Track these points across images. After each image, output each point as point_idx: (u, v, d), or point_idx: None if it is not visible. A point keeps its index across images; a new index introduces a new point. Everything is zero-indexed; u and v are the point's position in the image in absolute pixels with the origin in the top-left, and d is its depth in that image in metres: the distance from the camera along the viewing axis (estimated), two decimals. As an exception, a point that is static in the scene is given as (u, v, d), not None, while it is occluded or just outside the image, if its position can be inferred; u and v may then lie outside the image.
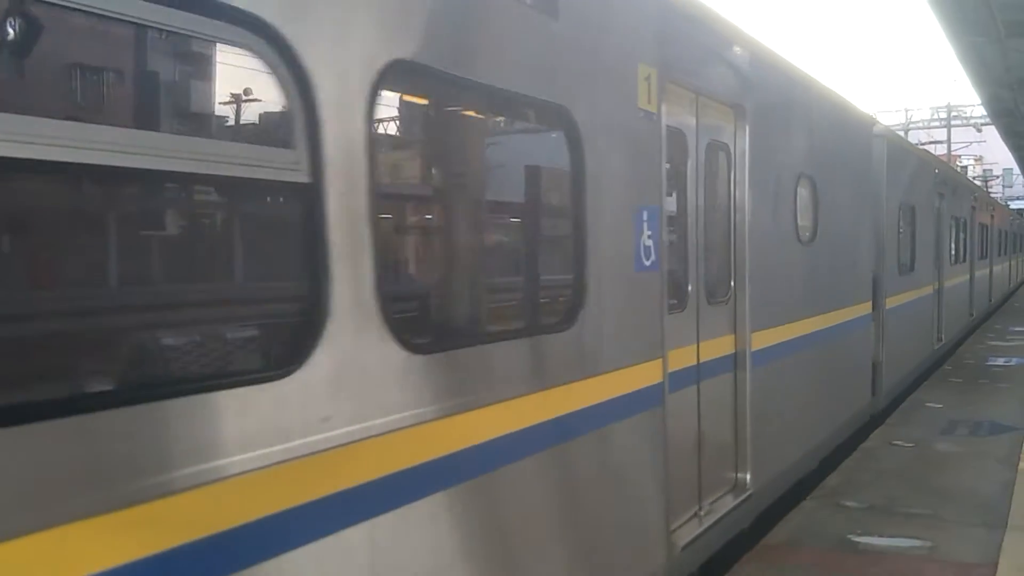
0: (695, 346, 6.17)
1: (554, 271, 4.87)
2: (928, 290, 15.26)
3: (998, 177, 72.52)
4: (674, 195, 5.95)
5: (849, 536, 6.98)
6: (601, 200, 4.70)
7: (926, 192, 15.15)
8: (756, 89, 7.05)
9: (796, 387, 8.18)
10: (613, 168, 4.84)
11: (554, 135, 4.67)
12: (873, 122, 11.81)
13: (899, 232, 12.76)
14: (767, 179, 7.33)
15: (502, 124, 4.83)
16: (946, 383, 14.16)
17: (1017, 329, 22.14)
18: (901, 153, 13.45)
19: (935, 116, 59.36)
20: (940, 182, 16.59)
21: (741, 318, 6.82)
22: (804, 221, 8.28)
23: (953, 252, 18.52)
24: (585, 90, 4.59)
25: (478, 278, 4.37)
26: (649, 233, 5.14)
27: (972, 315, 21.77)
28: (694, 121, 6.19)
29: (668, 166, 5.62)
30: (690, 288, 6.09)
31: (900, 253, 12.80)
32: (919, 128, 57.82)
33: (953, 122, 57.42)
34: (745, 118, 6.77)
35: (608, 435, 4.94)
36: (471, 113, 4.40)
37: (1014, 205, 62.17)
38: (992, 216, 26.78)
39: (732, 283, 6.80)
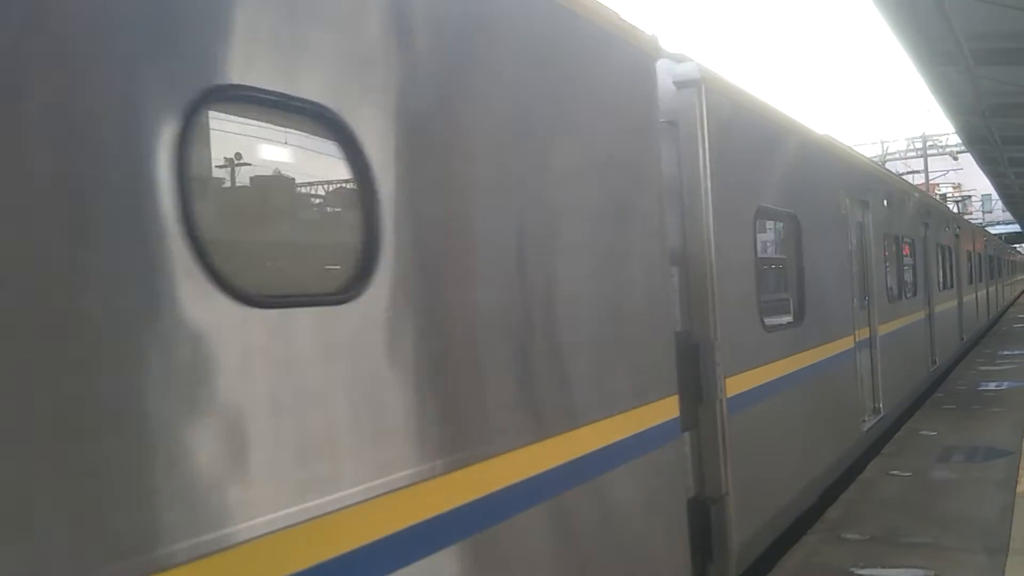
0: None
1: None
2: (842, 345, 9.89)
3: (969, 198, 73.27)
4: None
5: (852, 569, 6.95)
6: None
7: (823, 197, 9.79)
8: None
9: None
10: None
11: None
12: (656, 50, 5.69)
13: (757, 259, 7.39)
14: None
15: None
16: (939, 410, 14.17)
17: (1006, 353, 22.22)
18: (749, 122, 7.53)
19: (911, 147, 60.11)
20: (856, 185, 11.31)
21: None
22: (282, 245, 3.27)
23: (893, 285, 13.61)
24: None
25: None
26: None
27: (936, 363, 17.01)
28: None
29: None
30: None
31: (761, 295, 7.47)
32: (896, 159, 58.50)
33: (929, 151, 58.10)
34: None
35: None
36: None
37: (995, 230, 62.77)
38: (958, 236, 22.16)
39: None
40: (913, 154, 59.27)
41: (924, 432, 12.33)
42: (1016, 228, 74.73)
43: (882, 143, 60.28)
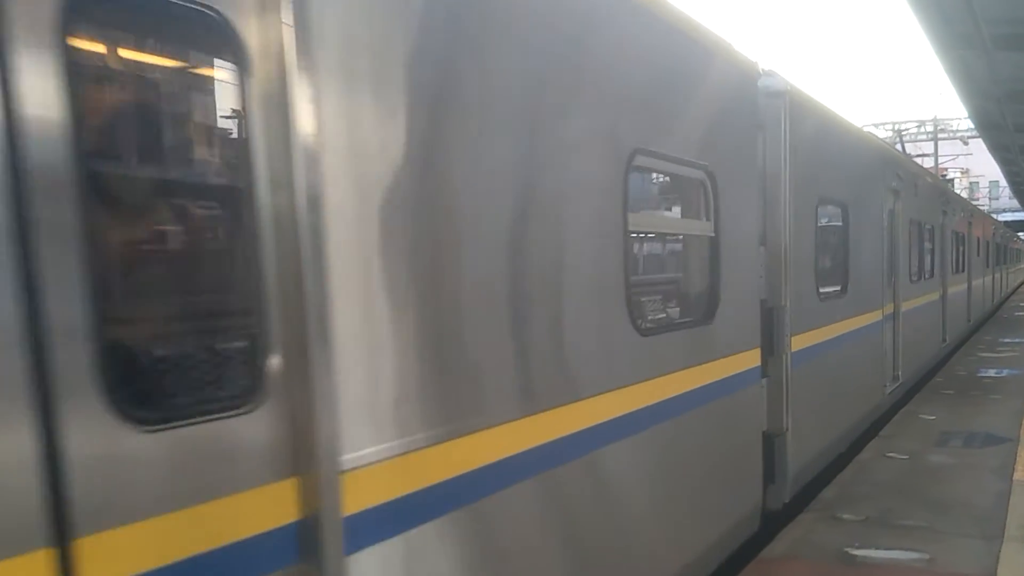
0: None
1: None
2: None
3: (976, 183, 73.03)
4: None
5: (846, 549, 6.97)
6: None
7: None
8: None
9: None
10: None
11: None
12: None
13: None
14: None
15: None
16: (938, 395, 14.18)
17: (1007, 340, 22.21)
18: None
19: (922, 130, 59.86)
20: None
21: None
22: None
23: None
24: None
25: None
26: None
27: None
28: None
29: None
30: None
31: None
32: (907, 141, 58.24)
33: (940, 135, 57.84)
34: None
35: None
36: None
37: (1002, 217, 62.57)
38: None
39: None
40: (924, 137, 59.02)
41: (923, 416, 12.34)
42: (1022, 216, 74.52)
43: (895, 125, 59.99)
